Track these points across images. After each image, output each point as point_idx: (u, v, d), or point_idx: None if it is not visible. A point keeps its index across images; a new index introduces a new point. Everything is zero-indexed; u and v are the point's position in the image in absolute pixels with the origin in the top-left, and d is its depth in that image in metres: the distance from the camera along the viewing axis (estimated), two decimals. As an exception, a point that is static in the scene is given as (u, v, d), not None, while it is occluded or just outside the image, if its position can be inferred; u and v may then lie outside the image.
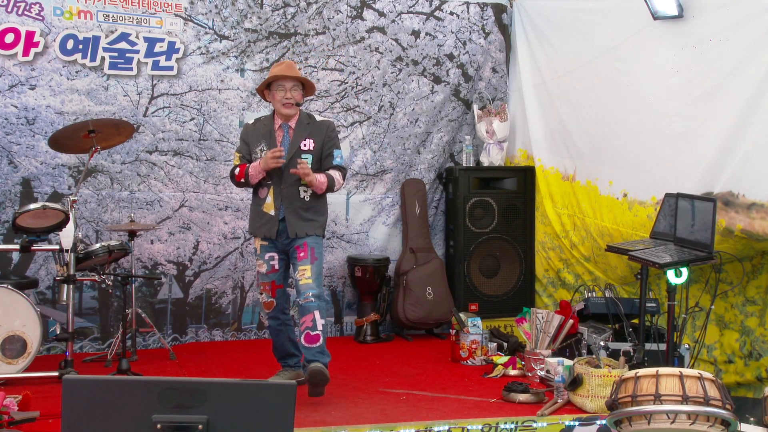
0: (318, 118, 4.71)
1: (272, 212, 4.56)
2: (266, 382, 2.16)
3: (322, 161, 4.61)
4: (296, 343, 4.71)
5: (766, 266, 4.58)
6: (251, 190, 4.76)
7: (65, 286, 4.61)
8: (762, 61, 4.18)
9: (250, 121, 4.75)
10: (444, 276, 6.32)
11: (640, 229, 5.02)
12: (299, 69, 4.81)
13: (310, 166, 4.50)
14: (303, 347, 4.47)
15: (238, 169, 4.62)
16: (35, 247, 4.77)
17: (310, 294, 4.43)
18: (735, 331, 4.73)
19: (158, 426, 1.95)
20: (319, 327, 4.43)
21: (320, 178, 4.53)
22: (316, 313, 4.43)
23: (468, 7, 6.45)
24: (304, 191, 4.57)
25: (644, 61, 5.02)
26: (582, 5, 5.65)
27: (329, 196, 4.77)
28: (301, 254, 4.51)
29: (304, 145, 4.57)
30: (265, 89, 4.64)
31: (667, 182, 4.74)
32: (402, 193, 6.43)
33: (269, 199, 4.57)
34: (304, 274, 4.48)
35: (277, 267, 4.64)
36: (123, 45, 5.58)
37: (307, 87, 4.65)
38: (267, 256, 4.63)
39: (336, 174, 4.60)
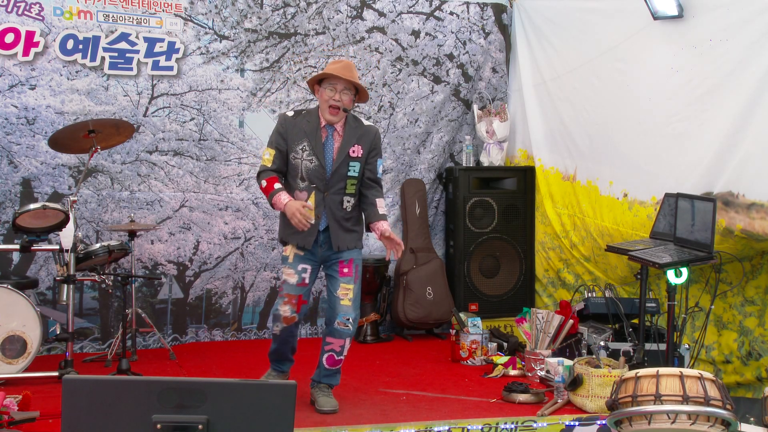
0: (364, 122, 4.40)
1: (312, 220, 4.16)
2: (266, 382, 2.15)
3: (363, 168, 4.33)
4: (295, 349, 4.49)
5: (765, 266, 4.58)
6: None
7: (65, 286, 4.61)
8: (762, 61, 4.18)
9: (289, 113, 4.32)
10: (444, 276, 6.32)
11: (640, 229, 5.02)
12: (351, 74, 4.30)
13: (357, 174, 4.26)
14: (322, 367, 4.32)
15: (265, 182, 4.20)
16: (35, 247, 4.77)
17: (350, 319, 4.23)
18: (733, 332, 4.73)
19: (158, 426, 1.95)
20: (345, 353, 4.30)
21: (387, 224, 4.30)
22: (348, 340, 4.26)
23: (468, 7, 6.44)
24: (348, 201, 4.27)
25: (644, 61, 5.02)
26: (582, 5, 5.65)
27: None
28: (345, 270, 4.25)
29: (353, 152, 4.25)
30: (315, 84, 4.29)
31: (667, 182, 4.74)
32: (402, 193, 6.43)
33: (310, 204, 4.18)
34: (347, 295, 4.23)
35: (307, 281, 4.26)
36: (123, 45, 5.58)
37: (360, 93, 4.30)
38: (300, 267, 4.24)
39: (382, 202, 4.35)
